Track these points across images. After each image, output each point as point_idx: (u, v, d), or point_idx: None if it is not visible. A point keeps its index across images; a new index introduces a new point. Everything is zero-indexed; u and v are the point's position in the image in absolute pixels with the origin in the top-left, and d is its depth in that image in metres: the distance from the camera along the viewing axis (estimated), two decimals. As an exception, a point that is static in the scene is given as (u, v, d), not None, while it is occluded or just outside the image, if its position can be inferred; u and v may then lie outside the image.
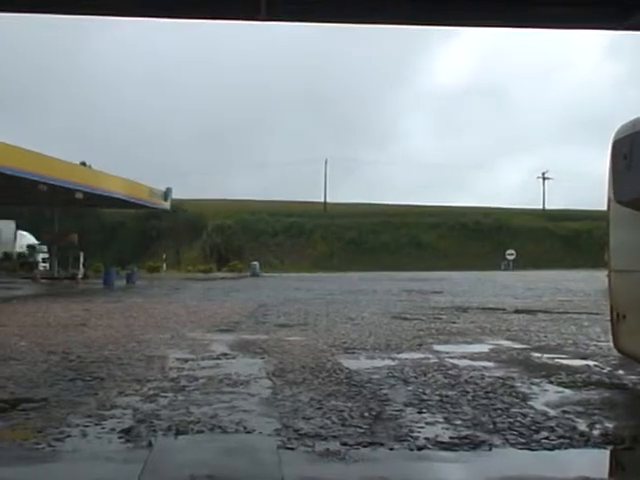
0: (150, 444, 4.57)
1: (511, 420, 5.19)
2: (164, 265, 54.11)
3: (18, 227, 48.90)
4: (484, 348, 9.45)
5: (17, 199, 33.68)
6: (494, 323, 13.03)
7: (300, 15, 7.18)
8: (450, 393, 6.23)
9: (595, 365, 7.97)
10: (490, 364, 8.03)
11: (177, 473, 4.05)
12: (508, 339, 10.54)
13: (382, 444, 4.56)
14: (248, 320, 13.83)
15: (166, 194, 36.59)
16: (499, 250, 67.59)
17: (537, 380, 6.93)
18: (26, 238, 50.07)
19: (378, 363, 8.04)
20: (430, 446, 4.53)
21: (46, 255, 50.36)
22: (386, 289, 26.69)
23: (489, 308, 16.96)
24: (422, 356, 8.61)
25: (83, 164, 43.61)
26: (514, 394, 6.20)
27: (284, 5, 6.71)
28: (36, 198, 29.94)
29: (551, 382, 6.86)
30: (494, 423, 5.10)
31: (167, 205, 37.96)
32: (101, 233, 53.08)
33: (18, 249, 47.88)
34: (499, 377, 7.08)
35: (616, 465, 4.65)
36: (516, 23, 7.99)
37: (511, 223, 75.96)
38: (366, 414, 5.38)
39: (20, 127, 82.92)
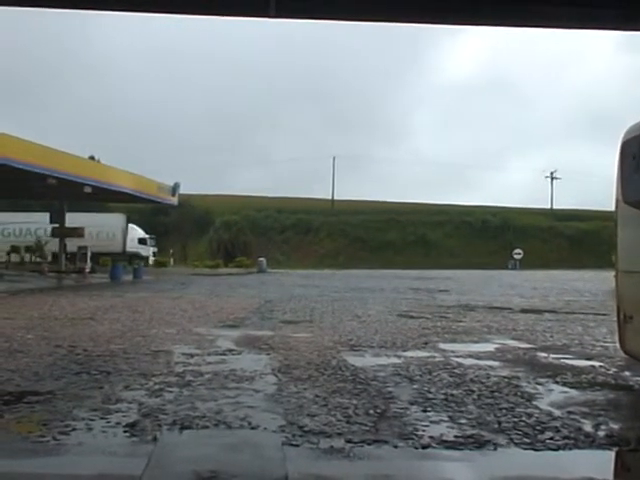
0: (155, 439, 4.58)
1: (516, 420, 5.18)
2: (171, 260, 54.29)
3: (129, 221, 48.86)
4: (490, 347, 9.43)
5: (26, 192, 33.81)
6: (500, 322, 13.00)
7: (309, 12, 7.16)
8: (455, 392, 6.22)
9: (601, 366, 7.94)
10: (496, 363, 8.01)
11: (181, 468, 4.05)
12: (514, 339, 10.52)
13: (387, 442, 4.56)
14: (254, 316, 13.85)
15: (174, 189, 36.64)
16: (506, 249, 67.49)
17: (542, 380, 6.91)
18: (136, 231, 50.13)
19: (383, 361, 8.03)
20: (435, 445, 4.52)
21: (156, 249, 50.51)
22: (392, 287, 26.67)
23: (495, 307, 16.93)
24: (428, 354, 8.61)
25: (92, 158, 43.74)
26: (519, 394, 6.19)
27: (293, 2, 6.69)
28: (45, 192, 30.03)
29: (557, 382, 6.84)
30: (499, 422, 5.09)
31: (175, 200, 38.03)
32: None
33: (129, 242, 47.96)
34: (504, 376, 7.06)
35: (621, 466, 4.63)
36: (520, 22, 7.95)
37: (518, 222, 75.77)
38: (371, 412, 5.37)
39: (28, 121, 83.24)
